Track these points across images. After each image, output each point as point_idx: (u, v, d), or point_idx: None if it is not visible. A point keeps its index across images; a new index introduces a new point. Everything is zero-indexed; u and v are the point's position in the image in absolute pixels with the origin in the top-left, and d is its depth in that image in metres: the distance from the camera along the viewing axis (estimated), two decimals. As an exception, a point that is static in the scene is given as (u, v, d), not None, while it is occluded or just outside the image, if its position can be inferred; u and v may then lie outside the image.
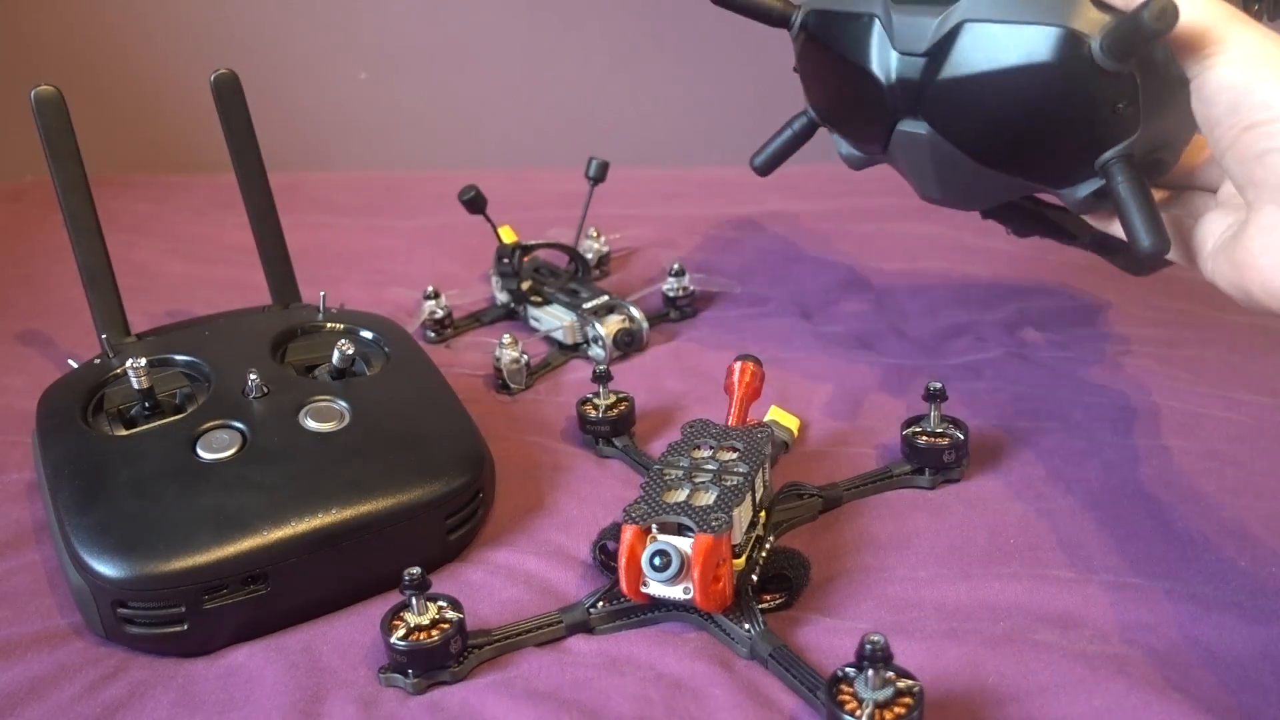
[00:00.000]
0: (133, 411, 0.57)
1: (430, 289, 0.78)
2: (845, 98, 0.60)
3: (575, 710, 0.44)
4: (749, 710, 0.43)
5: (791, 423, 0.63)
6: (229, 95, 0.65)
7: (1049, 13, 0.48)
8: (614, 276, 0.90)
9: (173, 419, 0.55)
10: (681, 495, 0.48)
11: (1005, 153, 0.53)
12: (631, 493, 0.59)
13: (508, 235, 0.83)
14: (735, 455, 0.52)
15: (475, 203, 0.78)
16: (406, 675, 0.45)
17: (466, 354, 0.76)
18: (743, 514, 0.49)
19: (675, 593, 0.46)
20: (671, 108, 1.34)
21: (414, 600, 0.45)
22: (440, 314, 0.78)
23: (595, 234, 0.90)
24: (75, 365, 0.62)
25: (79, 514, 0.49)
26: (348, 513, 0.49)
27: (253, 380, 0.57)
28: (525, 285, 0.79)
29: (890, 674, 0.40)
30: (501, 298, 0.82)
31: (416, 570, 0.45)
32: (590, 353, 0.75)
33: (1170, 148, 0.52)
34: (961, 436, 0.58)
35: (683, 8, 1.29)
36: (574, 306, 0.76)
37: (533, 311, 0.78)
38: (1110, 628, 0.47)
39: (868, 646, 0.39)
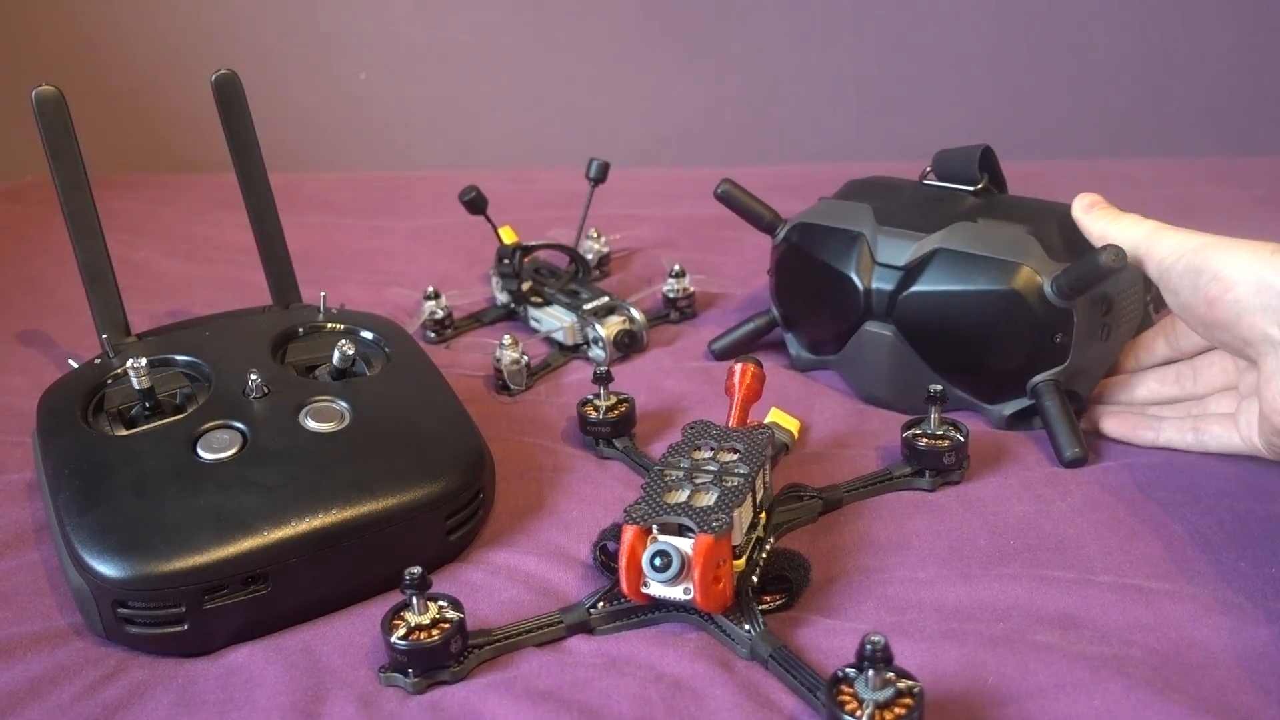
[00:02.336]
0: (133, 411, 0.57)
1: (430, 289, 0.78)
2: (821, 300, 0.69)
3: (575, 710, 0.44)
4: (749, 711, 0.43)
5: (792, 425, 0.63)
6: (229, 95, 0.65)
7: (1012, 253, 0.61)
8: (614, 277, 0.90)
9: (173, 419, 0.55)
10: (682, 496, 0.48)
11: (956, 361, 0.63)
12: (631, 494, 0.59)
13: (508, 236, 0.83)
14: (736, 456, 0.51)
15: (476, 203, 0.78)
16: (407, 675, 0.45)
17: (467, 354, 0.76)
18: (743, 515, 0.49)
19: (676, 593, 0.46)
20: (671, 108, 1.34)
21: (414, 600, 0.45)
22: (440, 314, 0.78)
23: (595, 234, 0.90)
24: (75, 365, 0.62)
25: (79, 514, 0.49)
26: (348, 513, 0.49)
27: (253, 380, 0.57)
28: (525, 286, 0.80)
29: (890, 674, 0.40)
30: (502, 298, 0.82)
31: (417, 570, 0.45)
32: (590, 354, 0.75)
33: (1085, 379, 0.63)
34: (961, 438, 0.58)
35: (683, 8, 1.29)
36: (574, 307, 0.76)
37: (533, 312, 0.78)
38: (1110, 628, 0.47)
39: (868, 647, 0.38)
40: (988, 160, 0.69)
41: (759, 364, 0.59)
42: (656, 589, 0.46)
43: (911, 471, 0.58)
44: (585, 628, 0.49)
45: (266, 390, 0.57)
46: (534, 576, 0.53)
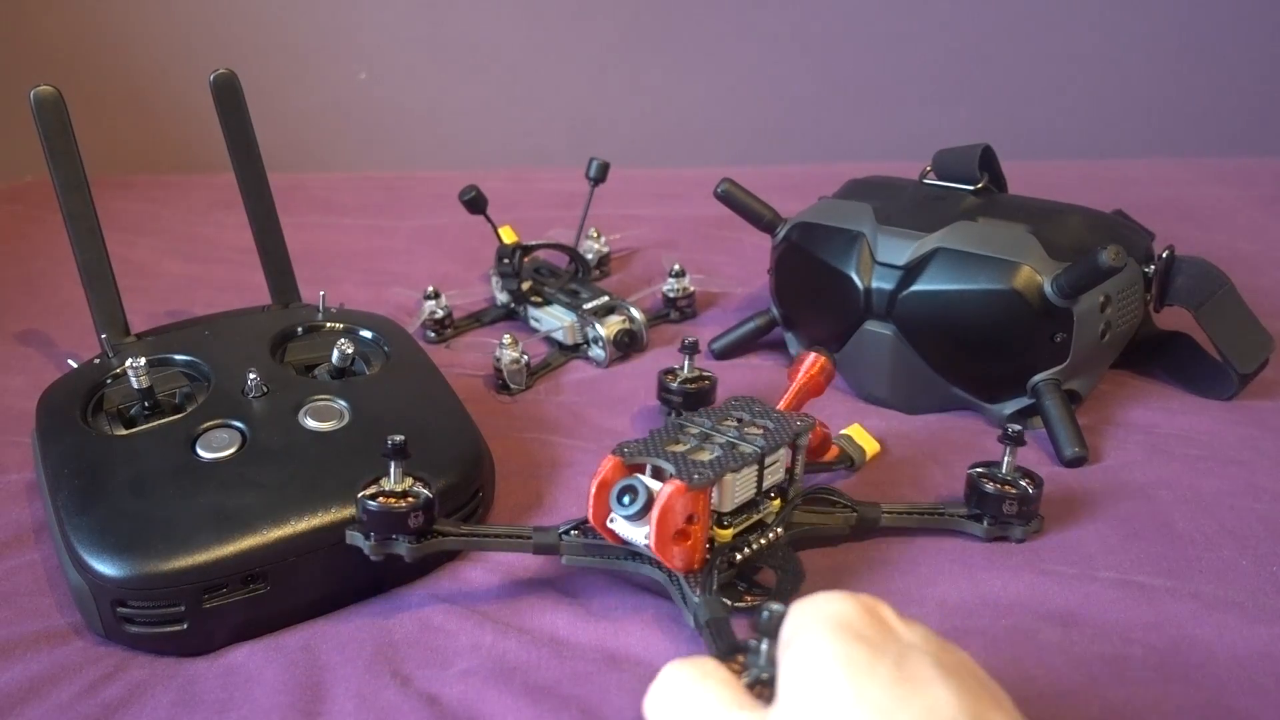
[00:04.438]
0: (132, 411, 0.57)
1: (430, 289, 0.78)
2: (821, 299, 0.68)
3: (575, 709, 0.43)
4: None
5: (870, 444, 0.60)
6: (228, 95, 0.65)
7: (1012, 252, 0.60)
8: (614, 277, 0.90)
9: (172, 418, 0.55)
10: (683, 448, 0.47)
11: (956, 360, 0.63)
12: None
13: (508, 235, 0.83)
14: (761, 433, 0.49)
15: (476, 203, 0.78)
16: (368, 537, 0.46)
17: (466, 354, 0.76)
18: (738, 484, 0.47)
19: (637, 535, 0.45)
20: (671, 108, 1.34)
21: (393, 467, 0.46)
22: (440, 314, 0.78)
23: (595, 234, 0.90)
24: (75, 365, 0.62)
25: (79, 513, 0.49)
26: (347, 512, 0.49)
27: (252, 380, 0.57)
28: (525, 286, 0.79)
29: None
30: (502, 298, 0.82)
31: (400, 438, 0.46)
32: (590, 353, 0.75)
33: (1084, 379, 0.63)
34: (1031, 491, 0.52)
35: (683, 8, 1.29)
36: (574, 307, 0.76)
37: (533, 312, 0.78)
38: (1111, 626, 0.47)
39: (764, 615, 0.34)
40: (988, 160, 0.69)
41: (831, 357, 0.57)
42: (620, 525, 0.45)
43: (966, 514, 0.53)
44: (553, 550, 0.49)
45: (266, 389, 0.57)
46: (534, 574, 0.53)
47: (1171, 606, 0.48)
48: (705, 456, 0.46)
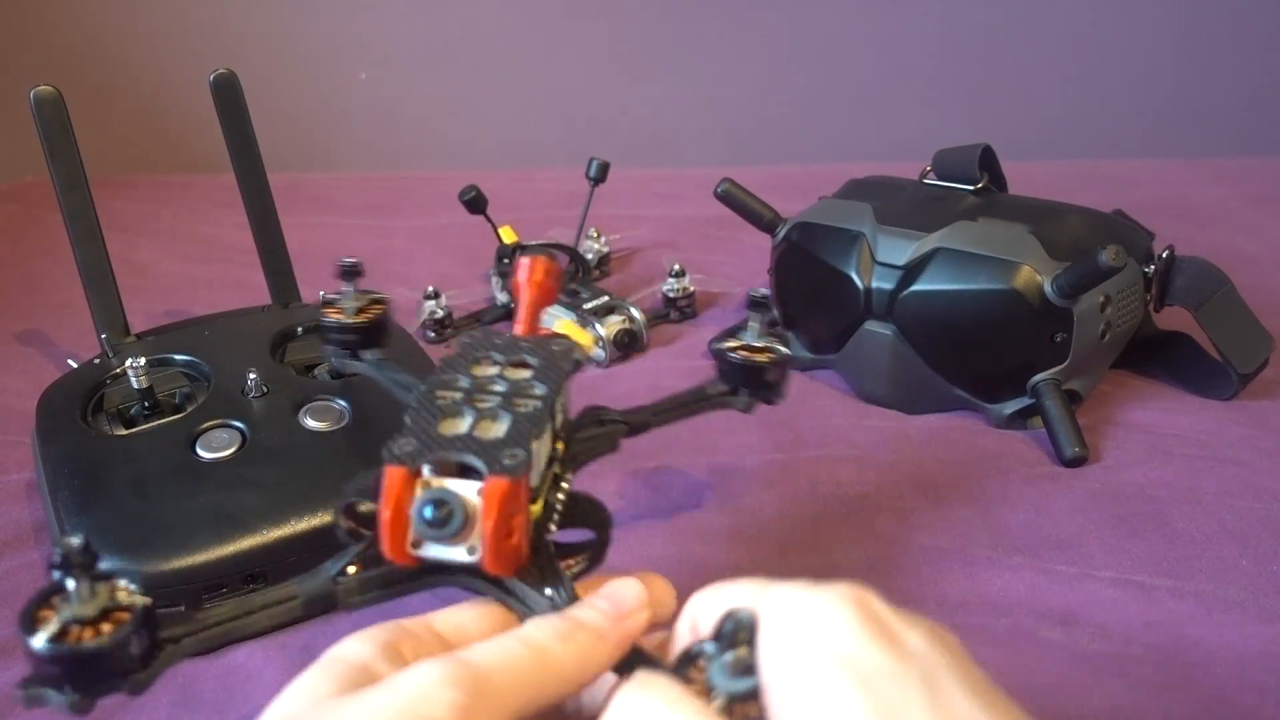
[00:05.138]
0: (132, 411, 0.57)
1: (430, 289, 0.78)
2: (821, 299, 0.68)
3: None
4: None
5: (583, 339, 0.56)
6: (228, 95, 0.65)
7: (1012, 252, 0.60)
8: (614, 277, 0.90)
9: (172, 418, 0.55)
10: (463, 426, 0.37)
11: (956, 360, 0.63)
12: (634, 484, 0.59)
13: (508, 235, 0.83)
14: (529, 374, 0.40)
15: (476, 203, 0.78)
16: (61, 690, 0.30)
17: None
18: (541, 448, 0.38)
19: (457, 554, 0.35)
20: (671, 108, 1.34)
21: (71, 586, 0.31)
22: (440, 314, 0.78)
23: (595, 234, 0.90)
24: (75, 365, 0.62)
25: (79, 514, 0.49)
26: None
27: (252, 380, 0.57)
28: (525, 285, 0.79)
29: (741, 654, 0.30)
30: (501, 298, 0.82)
31: (77, 541, 0.30)
32: (591, 353, 0.75)
33: (1084, 379, 0.63)
34: (787, 352, 0.47)
35: (683, 8, 1.29)
36: (574, 307, 0.76)
37: (533, 311, 0.78)
38: (1111, 626, 0.47)
39: (729, 624, 0.31)
40: (988, 160, 0.69)
41: (553, 257, 0.47)
42: (433, 549, 0.35)
43: (727, 391, 0.48)
44: (329, 602, 0.36)
45: (265, 389, 0.57)
46: (534, 576, 0.52)
47: (1171, 606, 0.48)
48: (498, 429, 0.37)
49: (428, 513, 0.34)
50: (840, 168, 0.88)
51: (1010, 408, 0.64)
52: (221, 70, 0.65)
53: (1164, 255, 0.65)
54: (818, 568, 0.52)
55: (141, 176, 1.18)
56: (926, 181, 0.71)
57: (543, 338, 0.44)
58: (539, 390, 0.39)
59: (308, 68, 1.29)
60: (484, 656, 0.30)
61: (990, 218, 0.64)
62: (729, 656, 0.30)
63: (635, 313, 0.75)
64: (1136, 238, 0.67)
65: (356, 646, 0.32)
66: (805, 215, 0.70)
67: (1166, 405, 0.66)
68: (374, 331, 0.49)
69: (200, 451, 0.52)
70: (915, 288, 0.63)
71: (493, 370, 0.40)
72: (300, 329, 0.65)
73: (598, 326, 0.73)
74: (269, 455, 0.52)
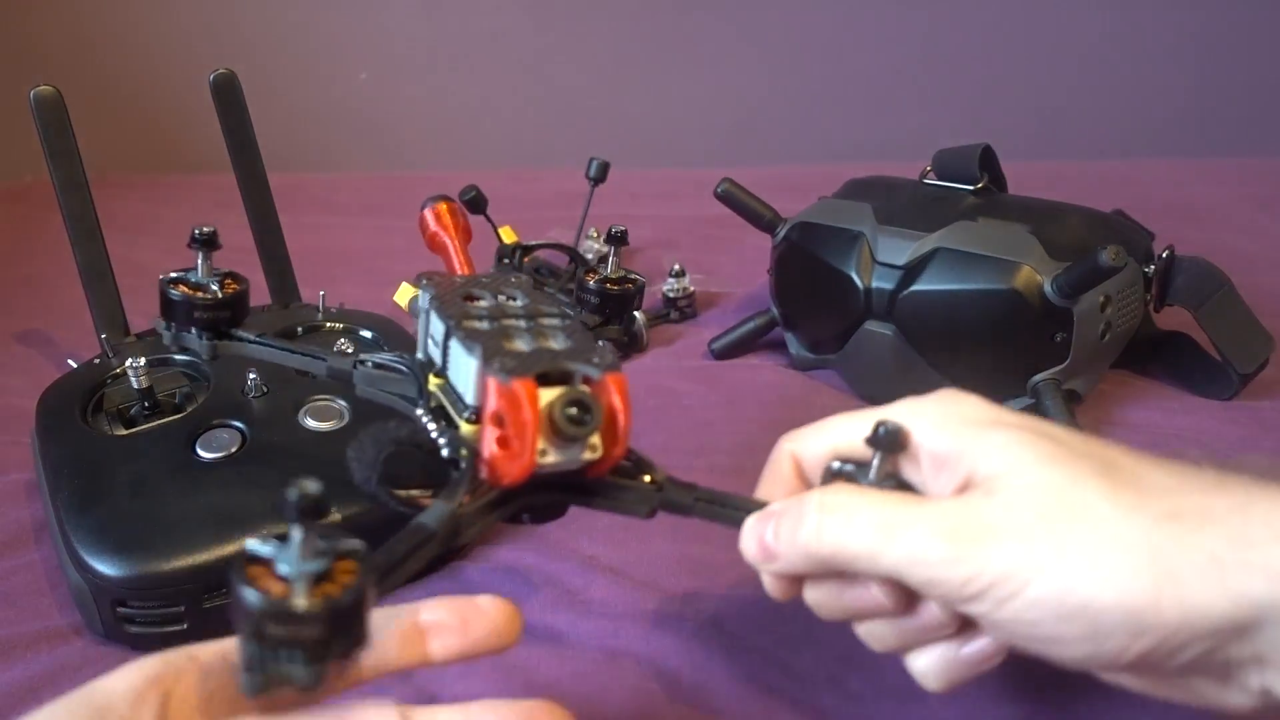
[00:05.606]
0: (132, 411, 0.57)
1: (430, 289, 0.78)
2: (821, 299, 0.68)
3: (575, 706, 0.43)
4: (754, 701, 0.43)
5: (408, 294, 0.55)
6: (228, 95, 0.65)
7: (1012, 252, 0.60)
8: (614, 276, 0.90)
9: (172, 418, 0.55)
10: (525, 344, 0.37)
11: (956, 360, 0.63)
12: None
13: (508, 235, 0.83)
14: (525, 299, 0.41)
15: (476, 203, 0.78)
16: (303, 661, 0.28)
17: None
18: None
19: (579, 456, 0.35)
20: (671, 108, 1.34)
21: (298, 538, 0.28)
22: (440, 314, 0.78)
23: (595, 234, 0.90)
24: (75, 365, 0.62)
25: (79, 513, 0.49)
26: (347, 512, 0.49)
27: (252, 379, 0.57)
28: (525, 285, 0.79)
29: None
30: (501, 298, 0.82)
31: (314, 486, 0.27)
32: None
33: (1084, 379, 0.63)
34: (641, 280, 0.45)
35: (683, 8, 1.29)
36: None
37: (533, 311, 0.78)
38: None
39: (880, 430, 0.34)
40: (988, 159, 0.69)
41: (449, 198, 0.48)
42: (557, 456, 0.35)
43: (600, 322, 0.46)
44: (455, 534, 0.35)
45: (265, 389, 0.57)
46: (535, 572, 0.53)
47: (1172, 606, 0.48)
48: (557, 342, 0.38)
49: (572, 412, 0.34)
50: (840, 168, 0.88)
51: (1010, 407, 0.63)
52: (221, 70, 0.65)
53: (1164, 255, 0.65)
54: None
55: (141, 176, 1.18)
56: (926, 181, 0.71)
57: (493, 273, 0.44)
58: (552, 309, 0.40)
59: (308, 68, 1.29)
60: None
61: (990, 218, 0.64)
62: (875, 459, 0.34)
63: (635, 313, 0.75)
64: (1136, 238, 0.67)
65: (117, 685, 0.29)
66: (805, 215, 0.70)
67: (1166, 405, 0.66)
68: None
69: (200, 451, 0.52)
70: (915, 288, 0.63)
71: (490, 301, 0.41)
72: (300, 329, 0.65)
73: (598, 326, 0.73)
74: (269, 455, 0.52)
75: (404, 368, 0.43)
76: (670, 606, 0.50)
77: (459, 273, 0.44)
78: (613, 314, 0.48)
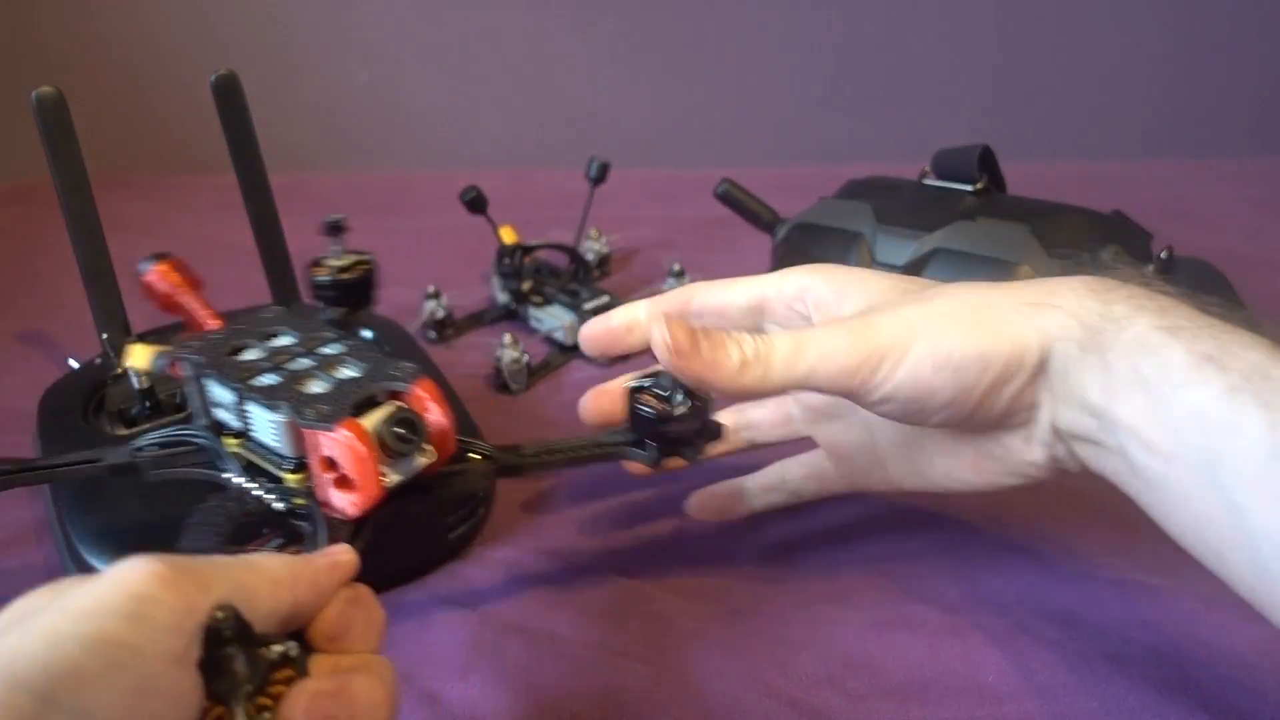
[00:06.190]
0: (133, 411, 0.57)
1: (432, 289, 0.78)
2: None
3: (575, 706, 0.44)
4: (754, 701, 0.44)
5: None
6: (229, 96, 0.65)
7: (1011, 252, 0.61)
8: (614, 277, 0.90)
9: (173, 418, 0.55)
10: (323, 384, 0.39)
11: None
12: (641, 490, 0.59)
13: (508, 236, 0.83)
14: (288, 340, 0.42)
15: (476, 203, 0.78)
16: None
17: (467, 354, 0.76)
18: None
19: (412, 467, 0.38)
20: (671, 108, 1.34)
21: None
22: (441, 314, 0.78)
23: (595, 234, 0.90)
24: (76, 365, 0.62)
25: (80, 513, 0.49)
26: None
27: (253, 380, 0.57)
28: (526, 286, 0.80)
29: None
30: (502, 298, 0.82)
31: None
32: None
33: None
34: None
35: (683, 8, 1.30)
36: (574, 307, 0.76)
37: (533, 312, 0.79)
38: (1110, 625, 0.47)
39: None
40: (987, 160, 0.69)
41: (164, 256, 0.50)
42: (396, 475, 0.37)
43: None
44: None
45: (267, 390, 0.57)
46: (535, 573, 0.53)
47: (1171, 606, 0.48)
48: (349, 371, 0.40)
49: (401, 431, 0.36)
50: (840, 168, 0.88)
51: None
52: (223, 70, 0.65)
53: (1163, 255, 0.65)
54: (818, 566, 0.52)
55: (141, 176, 1.18)
56: (926, 181, 0.71)
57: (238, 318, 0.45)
58: (326, 334, 0.42)
59: (308, 68, 1.29)
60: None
61: (989, 218, 0.64)
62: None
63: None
64: (1135, 238, 0.67)
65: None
66: (805, 215, 0.70)
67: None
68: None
69: (201, 451, 0.52)
70: None
71: (259, 349, 0.41)
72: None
73: (598, 326, 0.73)
74: (270, 455, 0.52)
75: (197, 439, 0.42)
76: (670, 606, 0.50)
77: (207, 325, 0.45)
78: (356, 301, 0.50)
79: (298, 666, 0.29)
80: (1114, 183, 1.10)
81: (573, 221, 0.86)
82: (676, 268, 0.81)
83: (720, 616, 0.49)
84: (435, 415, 0.38)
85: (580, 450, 0.45)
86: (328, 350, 0.41)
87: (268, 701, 0.27)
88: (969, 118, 1.33)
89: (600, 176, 0.84)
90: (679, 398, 0.43)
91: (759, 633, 0.48)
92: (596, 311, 0.74)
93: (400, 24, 1.28)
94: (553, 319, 0.76)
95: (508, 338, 0.71)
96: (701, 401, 0.43)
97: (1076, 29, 1.31)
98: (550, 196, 1.07)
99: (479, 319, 0.81)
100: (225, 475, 0.41)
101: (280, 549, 0.39)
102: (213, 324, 0.46)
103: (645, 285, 0.86)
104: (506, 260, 0.80)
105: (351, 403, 0.37)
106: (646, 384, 0.42)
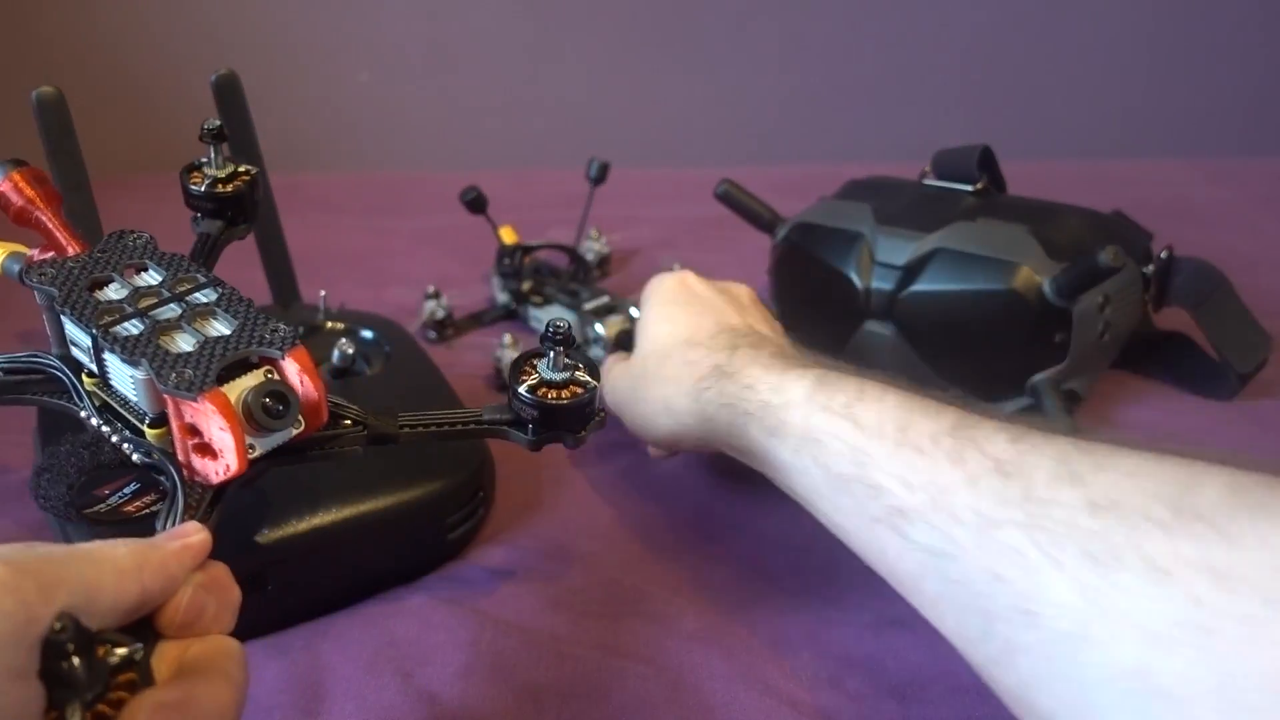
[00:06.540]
0: None
1: (432, 289, 0.78)
2: (820, 300, 0.69)
3: (575, 706, 0.44)
4: (754, 700, 0.44)
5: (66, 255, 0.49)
6: (229, 96, 0.65)
7: (1011, 252, 0.60)
8: (614, 277, 0.90)
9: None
10: (190, 340, 0.36)
11: (956, 360, 0.63)
12: (641, 488, 0.59)
13: (508, 236, 0.83)
14: (155, 277, 0.40)
15: (476, 203, 0.79)
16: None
17: (467, 354, 0.76)
18: None
19: (280, 437, 0.36)
20: (671, 108, 1.34)
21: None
22: (441, 314, 0.78)
23: (595, 234, 0.90)
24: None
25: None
26: (347, 512, 0.49)
27: (253, 380, 0.57)
28: (526, 286, 0.80)
29: (569, 361, 0.42)
30: (502, 298, 0.82)
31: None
32: (591, 353, 0.75)
33: (1083, 379, 0.63)
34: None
35: (683, 8, 1.30)
36: (574, 307, 0.76)
37: (533, 312, 0.79)
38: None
39: (550, 329, 0.40)
40: (987, 160, 0.69)
41: (18, 161, 0.45)
42: (263, 446, 0.35)
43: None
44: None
45: (267, 390, 0.57)
46: (533, 573, 0.53)
47: (1170, 606, 0.48)
48: (220, 327, 0.37)
49: (269, 403, 0.34)
50: (840, 168, 0.88)
51: (1009, 408, 0.64)
52: (223, 70, 0.65)
53: (1163, 255, 0.65)
54: (818, 566, 0.52)
55: (141, 176, 1.18)
56: (926, 182, 0.71)
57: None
58: (197, 276, 0.39)
59: (308, 68, 1.29)
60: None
61: (989, 218, 0.64)
62: (552, 355, 0.42)
63: (635, 313, 0.75)
64: (1135, 238, 0.67)
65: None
66: (805, 216, 0.70)
67: (1165, 405, 0.67)
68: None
69: (201, 451, 0.52)
70: (915, 288, 0.63)
71: (122, 286, 0.38)
72: (300, 329, 0.65)
73: (598, 326, 0.73)
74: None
75: (51, 368, 0.40)
76: (670, 606, 0.50)
77: (66, 249, 0.41)
78: (233, 217, 0.46)
79: (140, 670, 0.28)
80: (1114, 183, 1.10)
81: (573, 221, 0.86)
82: (676, 268, 0.81)
83: (720, 616, 0.49)
84: (307, 388, 0.35)
85: (456, 424, 0.43)
86: (198, 297, 0.38)
87: (107, 709, 0.26)
88: (969, 118, 1.33)
89: (600, 176, 0.84)
90: (559, 378, 0.42)
91: (759, 633, 0.48)
92: (597, 311, 0.75)
93: (400, 24, 1.28)
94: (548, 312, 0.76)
95: (508, 338, 0.71)
96: (585, 386, 0.42)
97: (1077, 29, 1.32)
98: (550, 196, 1.07)
99: (479, 319, 0.81)
100: (82, 414, 0.38)
101: (136, 494, 0.38)
102: (72, 247, 0.41)
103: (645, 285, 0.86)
104: (506, 260, 0.80)
105: (219, 368, 0.34)
106: (541, 360, 0.42)
